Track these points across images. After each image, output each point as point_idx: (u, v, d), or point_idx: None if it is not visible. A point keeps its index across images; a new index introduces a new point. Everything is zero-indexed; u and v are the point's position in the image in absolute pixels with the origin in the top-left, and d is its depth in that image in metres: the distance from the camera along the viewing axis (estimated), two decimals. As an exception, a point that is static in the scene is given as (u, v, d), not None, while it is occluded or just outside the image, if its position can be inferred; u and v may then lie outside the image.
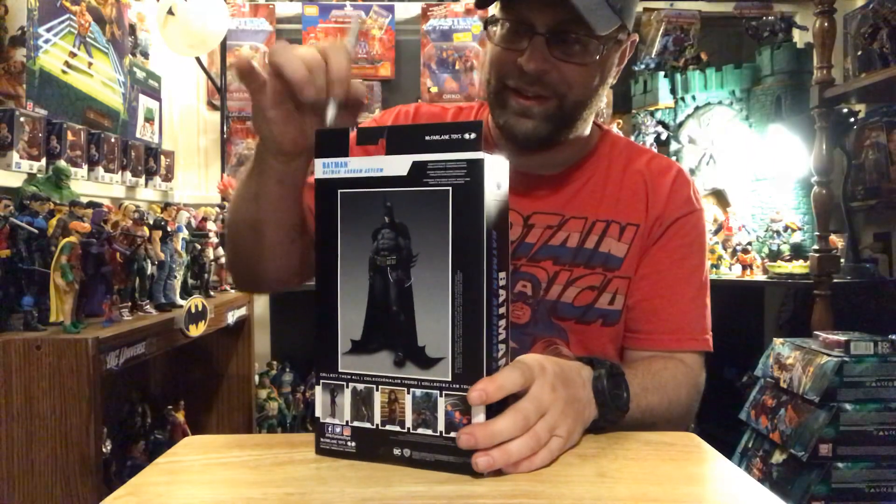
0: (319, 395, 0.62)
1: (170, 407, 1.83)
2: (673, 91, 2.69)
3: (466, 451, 0.57)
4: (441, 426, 0.58)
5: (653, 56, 2.81)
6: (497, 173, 0.59)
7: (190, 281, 1.74)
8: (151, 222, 1.46)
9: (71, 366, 1.12)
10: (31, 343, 1.12)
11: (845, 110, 2.20)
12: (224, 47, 2.75)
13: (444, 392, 0.58)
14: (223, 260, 1.97)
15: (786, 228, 2.36)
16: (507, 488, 0.55)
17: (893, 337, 1.62)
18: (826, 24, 1.99)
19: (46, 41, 1.79)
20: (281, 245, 0.85)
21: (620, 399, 0.70)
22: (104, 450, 1.35)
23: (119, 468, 1.55)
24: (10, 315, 1.18)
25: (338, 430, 0.62)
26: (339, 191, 0.61)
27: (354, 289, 0.61)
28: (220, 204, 2.34)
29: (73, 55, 1.92)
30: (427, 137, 0.59)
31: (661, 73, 2.70)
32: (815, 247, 2.04)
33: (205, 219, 1.87)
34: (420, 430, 0.59)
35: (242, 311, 1.95)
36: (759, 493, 0.55)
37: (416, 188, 0.58)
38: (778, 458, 1.71)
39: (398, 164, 0.59)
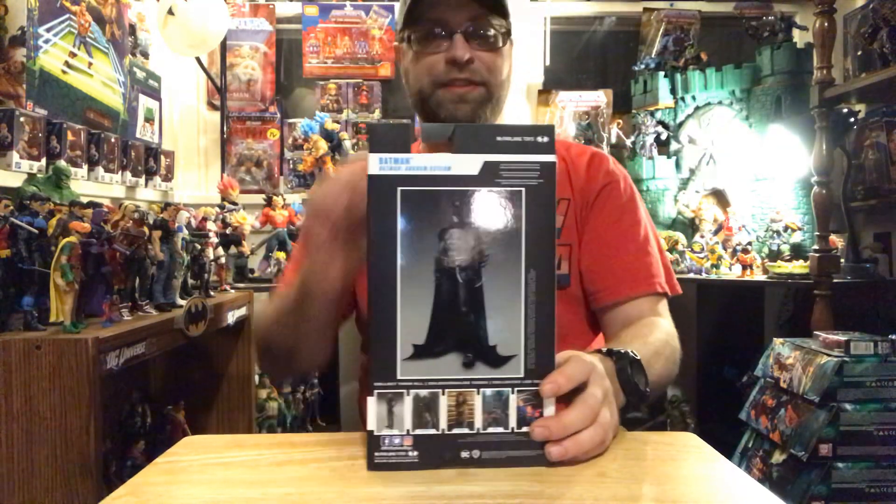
0: (374, 407, 0.59)
1: (170, 407, 1.83)
2: (673, 91, 2.69)
3: (538, 444, 0.58)
4: (513, 422, 0.59)
5: (653, 56, 2.81)
6: None
7: (190, 281, 1.73)
8: (151, 222, 1.46)
9: (71, 366, 1.11)
10: (31, 343, 1.11)
11: (845, 110, 2.20)
12: (224, 47, 2.75)
13: (515, 389, 0.59)
14: (223, 260, 1.97)
15: (786, 228, 2.35)
16: (507, 488, 0.55)
17: (893, 337, 1.62)
18: (826, 24, 1.99)
19: (46, 41, 1.79)
20: (318, 343, 0.88)
21: (642, 384, 0.74)
22: (104, 450, 1.35)
23: (119, 468, 1.55)
24: (10, 315, 1.18)
25: (396, 440, 0.59)
26: (399, 188, 0.58)
27: (417, 291, 0.58)
28: (220, 204, 2.34)
29: (73, 55, 1.92)
30: (498, 138, 0.59)
31: (661, 73, 2.70)
32: (815, 247, 2.04)
33: (205, 219, 1.87)
34: (490, 430, 0.59)
35: (242, 311, 1.95)
36: (759, 493, 0.55)
37: (487, 188, 0.58)
38: (778, 458, 1.70)
39: (468, 163, 0.58)
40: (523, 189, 0.58)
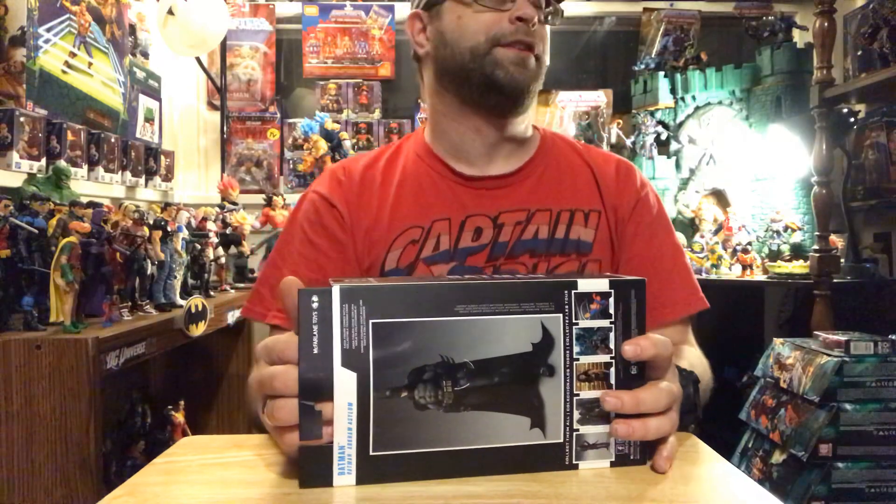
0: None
1: (170, 407, 1.83)
2: (673, 91, 2.69)
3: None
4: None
5: (653, 56, 2.81)
6: None
7: (190, 281, 1.74)
8: (151, 222, 1.46)
9: (71, 366, 1.12)
10: (31, 343, 1.12)
11: (845, 110, 2.20)
12: (224, 47, 2.75)
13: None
14: (223, 260, 1.97)
15: (786, 228, 2.35)
16: (505, 488, 0.55)
17: (893, 337, 1.62)
18: (826, 24, 1.99)
19: (46, 41, 1.79)
20: None
21: (697, 400, 0.73)
22: (104, 450, 1.35)
23: (119, 468, 1.55)
24: (10, 315, 1.19)
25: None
26: None
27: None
28: (220, 204, 2.34)
29: (73, 55, 1.92)
30: None
31: (661, 73, 2.69)
32: (815, 247, 2.03)
33: (205, 219, 1.88)
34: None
35: (242, 311, 1.95)
36: (757, 494, 0.55)
37: None
38: (778, 458, 1.70)
39: None
40: None
